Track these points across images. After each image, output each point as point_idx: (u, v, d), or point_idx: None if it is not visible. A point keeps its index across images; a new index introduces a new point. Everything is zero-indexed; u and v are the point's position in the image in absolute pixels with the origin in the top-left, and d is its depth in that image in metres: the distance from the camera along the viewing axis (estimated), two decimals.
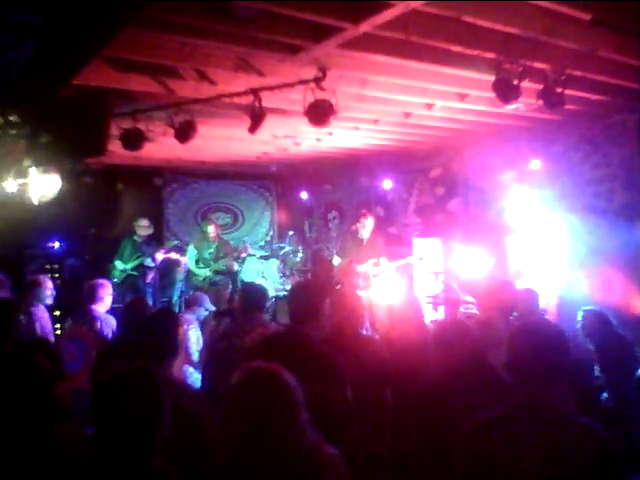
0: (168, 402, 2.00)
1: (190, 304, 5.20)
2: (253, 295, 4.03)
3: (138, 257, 7.55)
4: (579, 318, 4.44)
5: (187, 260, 7.98)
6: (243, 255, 8.47)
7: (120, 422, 1.88)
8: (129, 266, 7.52)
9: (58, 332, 6.02)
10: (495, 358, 2.87)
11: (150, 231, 7.88)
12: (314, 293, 3.02)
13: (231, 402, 1.87)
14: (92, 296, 4.90)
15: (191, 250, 8.00)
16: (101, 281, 5.10)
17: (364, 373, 3.06)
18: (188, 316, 4.62)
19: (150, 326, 3.02)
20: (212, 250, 7.90)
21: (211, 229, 7.97)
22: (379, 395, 3.31)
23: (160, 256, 7.75)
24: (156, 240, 8.28)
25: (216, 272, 7.88)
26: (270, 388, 1.84)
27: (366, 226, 7.24)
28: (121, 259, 7.59)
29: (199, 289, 7.22)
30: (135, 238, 7.74)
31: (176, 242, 8.69)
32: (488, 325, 3.63)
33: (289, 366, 2.13)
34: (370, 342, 3.53)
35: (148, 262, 7.54)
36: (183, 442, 2.40)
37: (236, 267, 8.22)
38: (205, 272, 7.81)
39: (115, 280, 7.25)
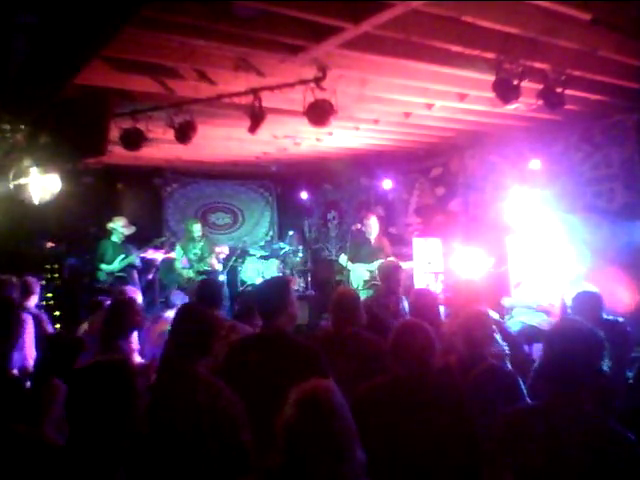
0: (142, 404, 1.94)
1: (171, 304, 5.26)
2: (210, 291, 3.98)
3: (125, 257, 7.27)
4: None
5: (175, 260, 7.67)
6: (221, 256, 8.00)
7: (90, 416, 1.81)
8: (117, 267, 7.24)
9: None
10: None
11: (132, 229, 7.47)
12: (282, 287, 3.01)
13: (281, 423, 1.76)
14: None
15: (178, 251, 7.69)
16: None
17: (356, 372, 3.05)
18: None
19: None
20: (197, 250, 7.59)
21: (196, 227, 7.65)
22: None
23: (160, 256, 7.67)
24: (145, 239, 7.89)
25: (199, 273, 7.48)
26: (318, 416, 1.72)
27: (372, 226, 7.28)
28: (104, 261, 7.26)
29: (184, 290, 6.83)
30: (114, 239, 7.40)
31: (164, 239, 8.32)
32: None
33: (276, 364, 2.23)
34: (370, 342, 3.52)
35: (136, 261, 7.29)
36: (220, 440, 2.39)
37: (219, 267, 7.82)
38: (188, 273, 7.49)
39: (102, 285, 7.06)
